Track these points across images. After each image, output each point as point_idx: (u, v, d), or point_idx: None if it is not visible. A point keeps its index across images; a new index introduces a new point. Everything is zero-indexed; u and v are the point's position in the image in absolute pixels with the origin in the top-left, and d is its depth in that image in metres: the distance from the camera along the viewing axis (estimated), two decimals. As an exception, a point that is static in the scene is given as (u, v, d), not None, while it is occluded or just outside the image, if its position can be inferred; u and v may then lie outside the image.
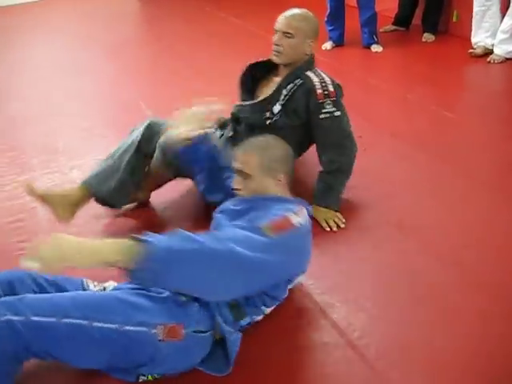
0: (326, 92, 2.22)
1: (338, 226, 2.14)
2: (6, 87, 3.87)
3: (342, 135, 2.23)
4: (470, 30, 4.15)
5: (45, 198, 2.12)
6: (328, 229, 2.13)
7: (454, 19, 4.46)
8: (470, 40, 3.99)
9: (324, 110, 2.20)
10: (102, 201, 2.20)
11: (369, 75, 3.81)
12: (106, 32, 5.21)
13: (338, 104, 2.23)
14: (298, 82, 2.26)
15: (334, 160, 2.21)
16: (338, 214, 2.18)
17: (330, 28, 4.33)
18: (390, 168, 2.50)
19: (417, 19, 4.57)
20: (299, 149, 2.31)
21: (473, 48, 3.98)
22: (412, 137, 2.84)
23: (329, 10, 4.27)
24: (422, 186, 2.40)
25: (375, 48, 4.25)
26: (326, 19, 4.30)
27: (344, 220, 2.15)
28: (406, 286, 1.83)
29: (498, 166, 2.57)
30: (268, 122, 2.28)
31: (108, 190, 2.16)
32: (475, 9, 3.92)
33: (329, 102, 2.22)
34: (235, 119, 2.36)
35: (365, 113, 3.04)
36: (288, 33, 2.24)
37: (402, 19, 4.69)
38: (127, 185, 2.19)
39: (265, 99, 2.31)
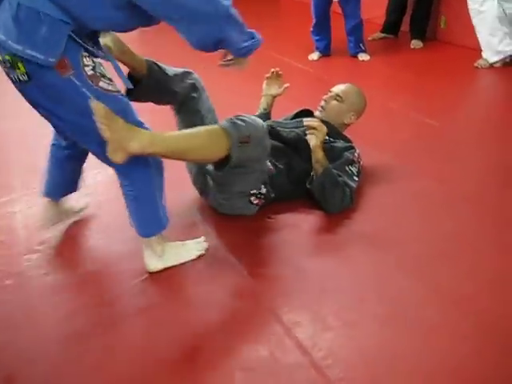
0: (359, 160, 2.38)
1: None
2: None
3: (349, 183, 2.26)
4: (458, 36, 4.11)
5: None
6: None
7: (442, 25, 4.43)
8: (458, 46, 3.94)
9: (351, 166, 2.31)
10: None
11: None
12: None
13: (359, 173, 2.34)
14: (342, 138, 2.44)
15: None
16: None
17: (317, 38, 4.28)
18: (367, 179, 2.45)
19: (406, 26, 4.54)
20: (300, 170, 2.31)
21: None
22: (393, 146, 2.80)
23: (314, 21, 4.22)
24: (399, 199, 2.35)
25: (362, 57, 4.22)
26: (311, 29, 4.26)
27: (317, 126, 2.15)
28: (377, 304, 1.77)
29: (479, 177, 2.52)
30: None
31: None
32: None
33: (357, 165, 2.35)
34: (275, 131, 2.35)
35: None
36: (339, 96, 2.46)
37: (390, 26, 4.66)
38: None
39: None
